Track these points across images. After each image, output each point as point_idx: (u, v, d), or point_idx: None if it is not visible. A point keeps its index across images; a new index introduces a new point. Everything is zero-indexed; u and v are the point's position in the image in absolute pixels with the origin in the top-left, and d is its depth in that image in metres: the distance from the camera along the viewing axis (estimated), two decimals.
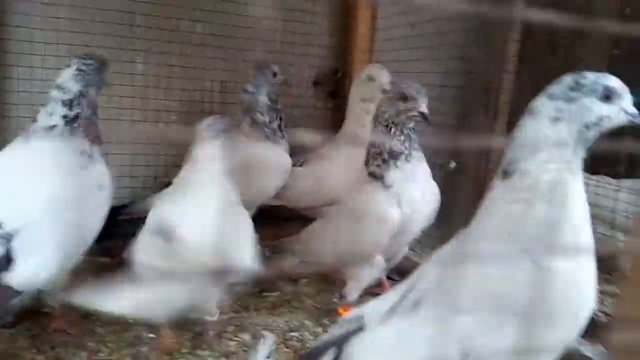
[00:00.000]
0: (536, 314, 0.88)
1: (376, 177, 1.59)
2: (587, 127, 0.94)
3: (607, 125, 0.95)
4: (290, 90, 2.43)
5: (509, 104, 2.20)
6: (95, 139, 1.59)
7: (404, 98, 1.56)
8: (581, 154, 0.96)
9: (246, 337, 1.66)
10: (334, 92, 2.80)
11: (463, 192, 1.95)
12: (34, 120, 1.53)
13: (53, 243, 1.36)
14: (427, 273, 1.05)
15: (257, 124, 2.11)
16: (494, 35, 2.40)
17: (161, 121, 2.45)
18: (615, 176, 2.04)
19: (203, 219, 1.35)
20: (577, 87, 0.94)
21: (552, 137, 0.94)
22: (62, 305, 1.56)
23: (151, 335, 1.63)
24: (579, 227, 0.95)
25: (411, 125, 1.58)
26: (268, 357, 1.34)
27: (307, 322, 1.76)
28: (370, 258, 1.61)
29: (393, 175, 1.58)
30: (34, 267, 1.34)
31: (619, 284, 1.70)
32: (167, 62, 2.39)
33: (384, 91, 1.70)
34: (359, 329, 1.05)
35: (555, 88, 0.97)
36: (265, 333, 1.65)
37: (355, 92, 2.23)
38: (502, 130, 1.97)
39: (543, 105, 0.96)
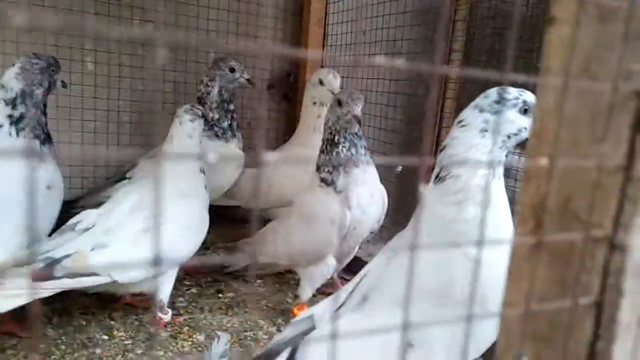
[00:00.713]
0: (471, 301, 0.96)
1: (327, 183, 1.67)
2: (509, 137, 1.07)
3: (524, 135, 1.06)
4: (244, 92, 2.46)
5: (454, 109, 2.33)
6: (45, 138, 1.59)
7: (339, 104, 1.64)
8: (502, 160, 1.09)
9: (201, 337, 1.68)
10: (286, 95, 2.85)
11: (411, 194, 2.06)
12: None
13: None
14: (373, 270, 1.13)
15: (206, 121, 2.13)
16: (439, 41, 2.52)
17: (112, 121, 2.42)
18: None
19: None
20: (501, 100, 1.06)
21: (481, 147, 1.06)
22: None
23: (105, 336, 1.63)
24: (503, 224, 1.07)
25: (352, 130, 1.65)
26: (222, 357, 1.38)
27: (261, 321, 1.81)
28: (322, 258, 1.67)
29: (343, 180, 1.65)
30: None
31: None
32: (118, 62, 2.37)
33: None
34: (311, 328, 1.11)
35: (483, 101, 1.08)
36: (220, 333, 1.69)
37: (307, 96, 2.27)
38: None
39: (473, 117, 1.07)
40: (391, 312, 0.98)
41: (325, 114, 1.75)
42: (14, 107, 1.53)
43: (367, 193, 1.67)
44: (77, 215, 1.61)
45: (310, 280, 1.72)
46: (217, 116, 2.15)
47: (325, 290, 1.81)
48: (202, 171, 1.71)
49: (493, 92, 1.07)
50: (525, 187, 0.52)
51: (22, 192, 1.41)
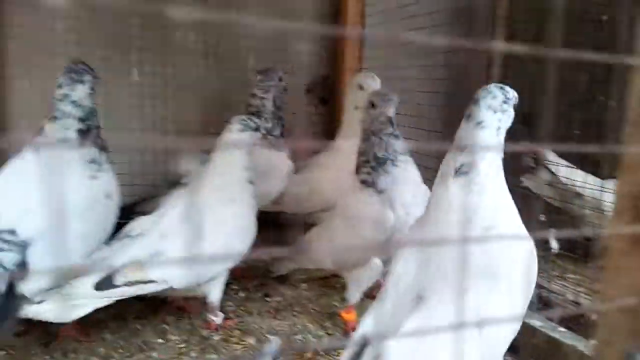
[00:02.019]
0: (511, 279, 1.10)
1: (368, 184, 1.66)
2: (508, 130, 1.22)
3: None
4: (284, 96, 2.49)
5: None
6: (103, 146, 1.65)
7: (372, 105, 1.65)
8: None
9: (251, 340, 1.71)
10: (324, 98, 2.87)
11: None
12: (41, 130, 1.58)
13: (62, 253, 1.41)
14: (406, 269, 1.19)
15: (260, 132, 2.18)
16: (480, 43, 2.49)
17: (158, 130, 2.49)
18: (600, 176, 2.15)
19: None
20: (507, 100, 1.20)
21: (496, 144, 1.20)
22: None
23: (159, 340, 1.68)
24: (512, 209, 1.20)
25: (387, 131, 1.65)
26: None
27: (310, 325, 1.83)
28: (368, 261, 1.67)
29: (384, 180, 1.65)
30: (45, 276, 1.41)
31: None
32: (162, 72, 2.43)
33: None
34: (365, 345, 1.12)
35: (494, 102, 1.20)
36: (271, 337, 1.72)
37: (348, 101, 2.28)
38: None
39: (490, 118, 1.20)
40: (453, 298, 1.06)
41: (362, 116, 1.75)
42: (85, 122, 1.60)
43: (409, 192, 1.66)
44: (133, 222, 1.68)
45: (357, 284, 1.72)
46: (270, 125, 2.19)
47: (372, 293, 1.81)
48: (250, 181, 1.74)
49: (498, 93, 1.20)
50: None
51: (84, 201, 1.53)
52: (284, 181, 2.18)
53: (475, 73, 2.51)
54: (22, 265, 1.40)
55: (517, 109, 1.24)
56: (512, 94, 1.22)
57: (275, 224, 2.31)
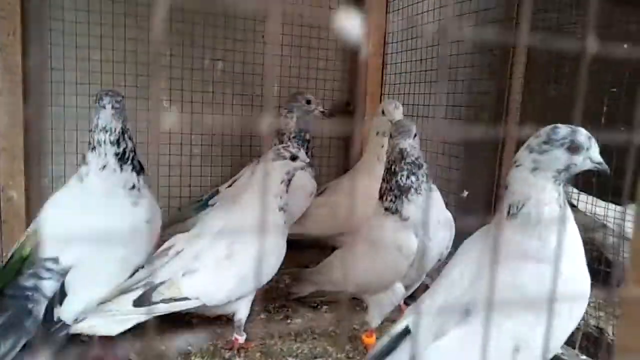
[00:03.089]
0: (563, 311, 1.16)
1: (392, 211, 1.69)
2: (558, 172, 1.20)
3: (575, 170, 1.21)
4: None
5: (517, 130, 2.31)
6: (140, 169, 1.71)
7: (391, 136, 1.70)
8: (561, 190, 1.22)
9: None
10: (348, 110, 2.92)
11: (476, 219, 2.06)
12: (83, 159, 1.66)
13: (102, 279, 1.51)
14: (463, 276, 1.28)
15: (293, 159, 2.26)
16: (500, 69, 2.53)
17: (184, 154, 2.58)
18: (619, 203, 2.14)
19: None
20: (549, 141, 1.19)
21: (535, 184, 1.20)
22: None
23: None
24: (578, 247, 1.24)
25: (404, 161, 1.68)
26: None
27: (330, 348, 1.84)
28: (390, 286, 1.69)
29: (407, 208, 1.67)
30: (83, 302, 1.46)
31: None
32: (190, 99, 2.52)
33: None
34: (405, 335, 1.27)
35: (533, 141, 1.22)
36: None
37: (371, 125, 2.32)
38: (509, 161, 2.09)
39: (524, 158, 1.22)
40: (499, 322, 1.13)
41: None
42: (118, 145, 1.64)
43: (432, 219, 1.69)
44: (169, 240, 1.78)
45: (379, 308, 1.74)
46: (294, 144, 2.24)
47: (393, 318, 1.82)
48: (281, 209, 1.77)
49: (543, 133, 1.20)
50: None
51: (126, 229, 1.59)
52: (307, 201, 2.22)
53: (497, 99, 2.54)
54: (62, 292, 1.45)
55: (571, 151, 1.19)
56: (562, 135, 1.18)
57: (297, 245, 2.36)
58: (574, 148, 1.17)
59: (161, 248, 1.75)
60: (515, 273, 1.20)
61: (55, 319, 1.42)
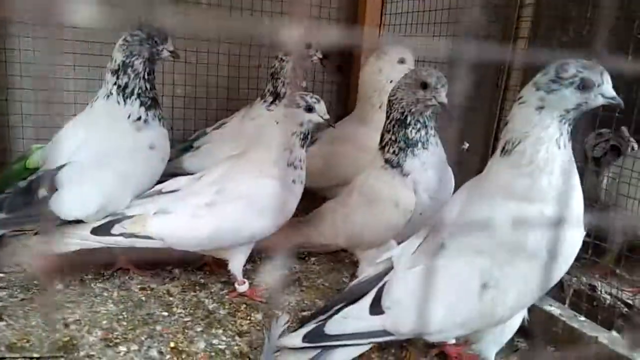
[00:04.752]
0: (540, 254, 1.13)
1: (392, 165, 1.57)
2: (567, 111, 1.13)
3: (586, 108, 1.13)
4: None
5: (520, 80, 2.19)
6: (150, 104, 1.74)
7: (424, 86, 1.52)
8: (566, 129, 1.15)
9: (258, 316, 1.67)
10: (340, 66, 2.78)
11: (474, 171, 1.96)
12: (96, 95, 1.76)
13: (93, 181, 1.60)
14: (444, 220, 1.31)
15: (278, 95, 2.15)
16: (506, 12, 2.37)
17: (167, 95, 2.42)
18: None
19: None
20: (557, 79, 1.11)
21: (538, 123, 1.14)
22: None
23: (164, 313, 1.64)
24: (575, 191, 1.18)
25: (428, 113, 1.55)
26: (282, 337, 1.36)
27: (318, 301, 1.78)
28: (384, 243, 1.61)
29: (410, 163, 1.56)
30: (75, 197, 1.57)
31: None
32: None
33: (405, 76, 1.63)
34: (389, 268, 1.32)
35: (540, 79, 1.14)
36: (278, 313, 1.67)
37: (380, 72, 2.13)
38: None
39: (529, 95, 1.15)
40: (470, 258, 1.18)
41: (392, 92, 1.61)
42: (117, 77, 1.69)
43: (436, 177, 1.57)
44: (168, 181, 1.74)
45: (370, 264, 1.66)
46: (289, 92, 2.15)
47: None
48: (291, 164, 1.63)
49: (551, 70, 1.12)
50: None
51: (125, 146, 1.66)
52: None
53: (502, 43, 2.39)
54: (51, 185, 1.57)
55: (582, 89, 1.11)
56: (572, 73, 1.10)
57: None
58: (584, 86, 1.10)
59: (158, 186, 1.73)
60: (494, 209, 1.17)
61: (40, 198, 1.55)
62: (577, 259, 1.21)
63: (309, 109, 1.60)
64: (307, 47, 2.15)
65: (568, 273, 1.35)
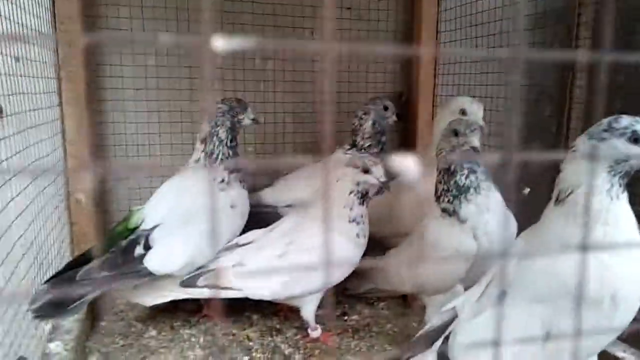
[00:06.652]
0: (602, 301, 1.14)
1: (449, 213, 1.64)
2: (617, 162, 1.16)
3: (635, 163, 1.16)
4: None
5: (580, 130, 2.19)
6: (234, 168, 1.96)
7: (455, 133, 1.62)
8: (619, 181, 1.17)
9: None
10: (399, 114, 2.87)
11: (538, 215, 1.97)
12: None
13: (182, 240, 1.75)
14: (505, 269, 1.31)
15: (356, 148, 2.31)
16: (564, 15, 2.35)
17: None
18: None
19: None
20: (609, 129, 1.16)
21: (589, 172, 1.19)
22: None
23: (245, 357, 1.77)
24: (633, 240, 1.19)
25: (467, 160, 1.62)
26: None
27: (387, 346, 1.85)
28: (450, 288, 1.67)
29: (465, 209, 1.61)
30: (164, 256, 1.72)
31: None
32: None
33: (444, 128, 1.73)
34: (454, 318, 1.37)
35: (593, 129, 1.19)
36: (350, 358, 1.77)
37: (435, 122, 2.21)
38: None
39: (581, 143, 1.20)
40: (532, 306, 1.21)
41: (439, 142, 1.70)
42: (205, 144, 1.96)
43: (493, 220, 1.62)
44: (247, 233, 1.90)
45: (437, 307, 1.72)
46: (367, 144, 2.32)
47: None
48: (354, 221, 1.74)
49: (605, 121, 1.17)
50: None
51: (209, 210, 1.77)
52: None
53: (560, 91, 2.41)
54: (146, 244, 1.74)
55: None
56: (624, 124, 1.14)
57: None
58: (636, 139, 1.13)
59: (235, 239, 1.88)
60: (552, 258, 1.21)
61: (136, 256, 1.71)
62: None
63: (366, 171, 1.70)
64: (384, 109, 2.35)
65: None
